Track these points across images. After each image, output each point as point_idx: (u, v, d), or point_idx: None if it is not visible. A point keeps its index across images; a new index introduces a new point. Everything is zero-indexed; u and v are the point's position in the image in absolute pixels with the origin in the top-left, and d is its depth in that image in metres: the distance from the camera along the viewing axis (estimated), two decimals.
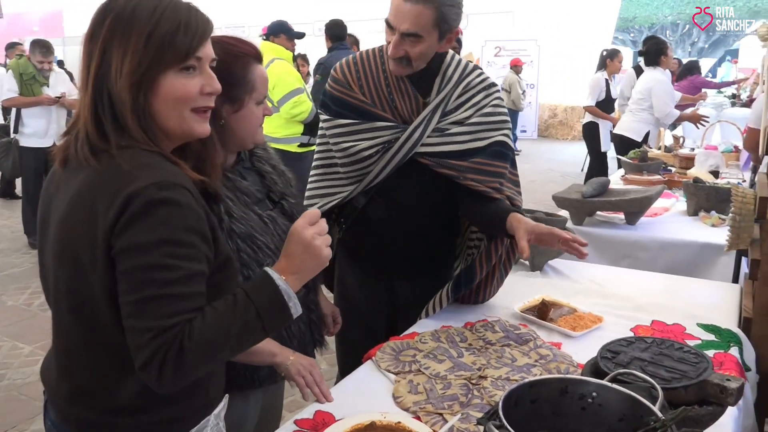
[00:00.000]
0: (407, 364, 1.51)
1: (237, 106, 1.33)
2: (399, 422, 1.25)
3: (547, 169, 8.86)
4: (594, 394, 1.06)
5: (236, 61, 1.33)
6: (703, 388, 1.12)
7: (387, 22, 1.62)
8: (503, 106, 1.78)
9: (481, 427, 1.23)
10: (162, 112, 1.02)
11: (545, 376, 1.08)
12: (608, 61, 6.28)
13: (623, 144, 5.13)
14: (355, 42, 6.34)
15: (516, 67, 10.93)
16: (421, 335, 1.66)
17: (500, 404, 0.99)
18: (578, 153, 9.80)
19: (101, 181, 0.97)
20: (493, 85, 1.79)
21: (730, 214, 1.98)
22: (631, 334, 1.68)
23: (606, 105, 6.21)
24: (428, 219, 1.81)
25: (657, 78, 5.21)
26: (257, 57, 1.37)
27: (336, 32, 5.08)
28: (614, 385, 1.05)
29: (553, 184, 7.01)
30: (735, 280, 2.53)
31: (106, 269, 0.95)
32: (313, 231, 1.06)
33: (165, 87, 1.01)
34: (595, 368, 1.24)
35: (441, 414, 1.30)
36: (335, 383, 1.62)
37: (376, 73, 1.75)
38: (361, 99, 1.74)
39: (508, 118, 1.78)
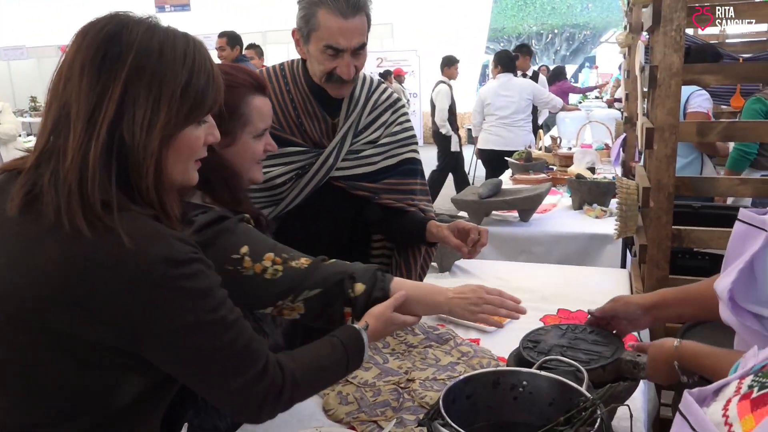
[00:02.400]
0: None
1: (228, 140, 1.25)
2: None
3: None
4: (524, 382, 1.11)
5: (228, 92, 1.24)
6: (618, 366, 1.21)
7: (331, 47, 1.54)
8: (409, 121, 1.82)
9: (419, 428, 1.25)
10: (172, 165, 0.92)
11: (478, 371, 1.11)
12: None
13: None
14: (261, 54, 6.25)
15: (398, 77, 11.20)
16: None
17: (441, 402, 1.00)
18: (465, 156, 10.17)
19: (99, 258, 0.83)
20: (398, 100, 1.81)
21: (616, 205, 2.14)
22: (541, 324, 1.77)
23: None
24: (341, 234, 1.81)
25: (529, 82, 5.58)
26: (256, 87, 1.30)
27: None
28: (543, 372, 1.11)
29: (445, 188, 7.24)
30: (623, 265, 2.75)
31: (108, 357, 0.86)
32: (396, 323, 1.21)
33: (182, 140, 0.92)
34: (519, 359, 1.30)
35: (375, 421, 1.30)
36: None
37: (281, 95, 1.68)
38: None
39: (415, 133, 1.82)
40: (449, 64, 7.00)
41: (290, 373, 1.00)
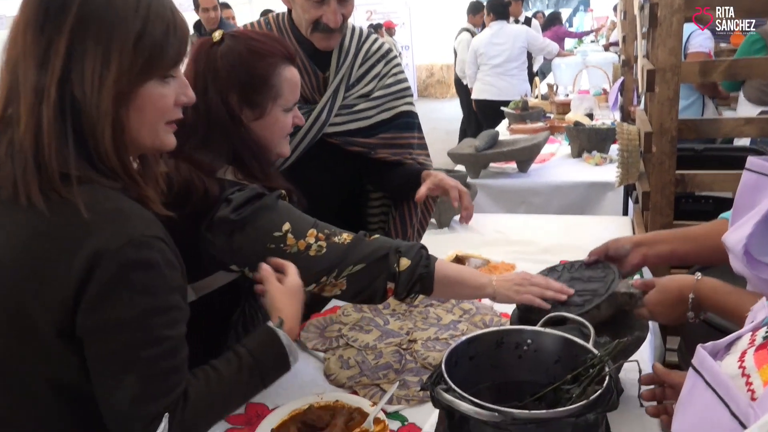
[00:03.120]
0: (334, 339, 1.46)
1: (258, 113, 1.21)
2: (337, 400, 1.21)
3: (431, 128, 9.01)
4: (529, 341, 1.08)
5: (260, 61, 1.19)
6: (614, 301, 1.17)
7: None
8: (402, 72, 1.75)
9: (422, 392, 1.23)
10: (136, 126, 0.84)
11: (481, 331, 1.07)
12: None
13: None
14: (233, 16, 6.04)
15: (389, 29, 10.94)
16: (343, 308, 1.61)
17: (443, 365, 0.97)
18: (458, 110, 10.05)
19: (54, 233, 0.77)
20: (390, 51, 1.74)
21: (617, 152, 2.08)
22: None
23: None
24: (336, 195, 1.76)
25: (523, 28, 5.42)
26: (288, 58, 1.23)
27: None
28: (547, 330, 1.07)
29: (441, 143, 7.14)
30: (625, 212, 2.70)
31: (61, 344, 0.79)
32: (288, 282, 1.08)
33: (144, 98, 0.84)
34: (520, 314, 1.26)
35: (378, 385, 1.27)
36: None
37: None
38: None
39: (409, 84, 1.76)
40: (475, 11, 6.58)
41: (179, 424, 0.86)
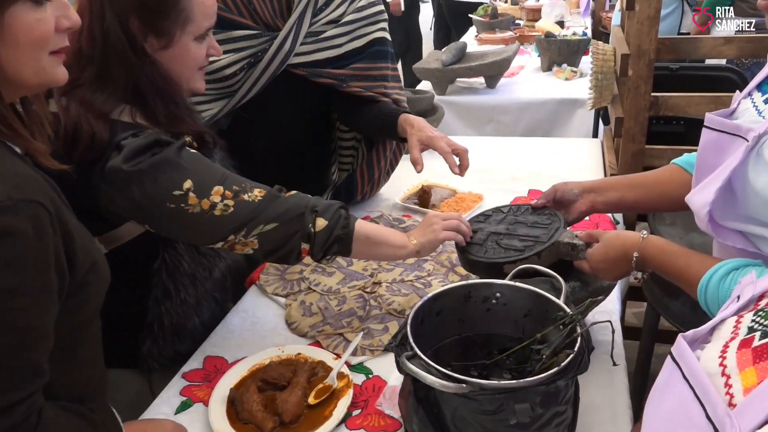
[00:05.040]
0: (295, 282, 1.40)
1: (164, 41, 1.05)
2: (299, 353, 1.16)
3: None
4: (498, 294, 1.03)
5: None
6: (555, 250, 1.13)
7: None
8: None
9: (385, 340, 1.19)
10: (13, 62, 0.71)
11: (447, 287, 1.02)
12: None
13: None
14: None
15: None
16: None
17: (408, 327, 0.92)
18: (424, 13, 9.61)
19: None
20: None
21: (590, 70, 1.98)
22: None
23: None
24: (301, 133, 1.63)
25: None
26: None
27: None
28: (517, 283, 1.02)
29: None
30: (595, 132, 2.64)
31: None
32: None
33: (14, 27, 0.70)
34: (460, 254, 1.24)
35: (341, 334, 1.23)
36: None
37: None
38: None
39: (383, 8, 1.58)
40: None
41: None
